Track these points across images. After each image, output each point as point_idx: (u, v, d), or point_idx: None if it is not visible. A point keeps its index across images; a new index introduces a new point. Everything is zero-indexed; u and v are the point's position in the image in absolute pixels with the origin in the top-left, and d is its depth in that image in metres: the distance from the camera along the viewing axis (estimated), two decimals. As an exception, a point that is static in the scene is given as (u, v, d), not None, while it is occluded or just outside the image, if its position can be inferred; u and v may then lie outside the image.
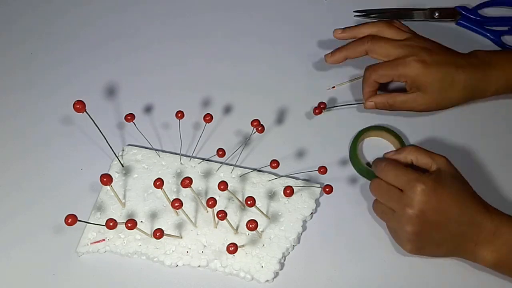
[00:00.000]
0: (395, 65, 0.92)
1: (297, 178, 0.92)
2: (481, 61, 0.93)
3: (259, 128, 0.88)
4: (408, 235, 0.80)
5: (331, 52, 0.99)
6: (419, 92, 0.92)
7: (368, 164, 0.94)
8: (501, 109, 1.00)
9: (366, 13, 1.14)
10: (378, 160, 0.87)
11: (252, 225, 0.76)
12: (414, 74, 0.91)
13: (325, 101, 1.00)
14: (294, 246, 0.87)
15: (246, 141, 0.94)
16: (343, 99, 1.03)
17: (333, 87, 1.03)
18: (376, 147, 0.96)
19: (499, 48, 1.08)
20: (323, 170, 0.86)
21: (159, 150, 0.95)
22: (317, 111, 0.97)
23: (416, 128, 0.99)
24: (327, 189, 0.84)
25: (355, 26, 0.99)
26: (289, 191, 0.81)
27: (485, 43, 1.09)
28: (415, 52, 0.91)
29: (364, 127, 0.98)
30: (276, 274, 0.84)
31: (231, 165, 0.93)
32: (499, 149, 0.97)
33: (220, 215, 0.76)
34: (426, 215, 0.78)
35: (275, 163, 0.86)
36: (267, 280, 0.83)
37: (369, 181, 0.88)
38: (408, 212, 0.78)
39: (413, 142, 0.97)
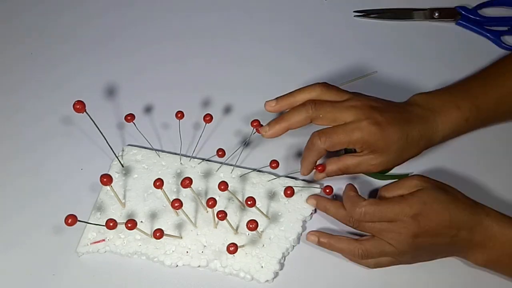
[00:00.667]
0: (350, 131, 0.83)
1: (296, 179, 0.93)
2: (424, 110, 0.88)
3: (259, 129, 0.88)
4: (408, 260, 0.82)
5: (268, 125, 0.87)
6: (372, 155, 0.85)
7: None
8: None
9: (366, 13, 1.14)
10: (351, 206, 0.82)
11: (252, 225, 0.77)
12: (372, 139, 0.83)
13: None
14: (294, 246, 0.87)
15: (246, 141, 0.94)
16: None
17: (333, 87, 1.03)
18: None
19: (499, 48, 1.09)
20: (320, 168, 0.87)
21: (159, 150, 0.95)
22: (327, 190, 0.89)
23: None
24: (327, 190, 0.84)
25: (289, 94, 0.89)
26: (289, 192, 0.81)
27: (485, 43, 1.09)
28: (365, 114, 0.83)
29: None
30: (276, 274, 0.84)
31: (231, 165, 0.93)
32: (488, 143, 0.98)
33: (220, 215, 0.76)
34: (418, 238, 0.78)
35: (275, 163, 0.86)
36: (267, 280, 0.83)
37: (368, 178, 0.89)
38: (402, 240, 0.79)
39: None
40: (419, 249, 0.80)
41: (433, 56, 1.08)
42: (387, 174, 0.93)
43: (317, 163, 0.86)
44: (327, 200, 0.87)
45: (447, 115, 0.88)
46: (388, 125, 0.83)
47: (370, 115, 0.83)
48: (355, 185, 0.87)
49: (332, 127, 0.85)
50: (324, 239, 0.85)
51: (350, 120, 0.84)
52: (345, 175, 0.90)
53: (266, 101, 0.88)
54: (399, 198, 0.80)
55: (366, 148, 0.84)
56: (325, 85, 0.88)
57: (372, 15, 1.14)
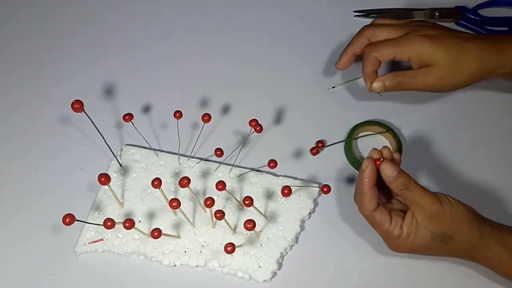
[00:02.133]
0: (398, 41, 0.88)
1: (295, 178, 0.92)
2: (492, 36, 0.89)
3: (257, 128, 0.88)
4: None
5: (338, 59, 0.96)
6: (429, 68, 0.87)
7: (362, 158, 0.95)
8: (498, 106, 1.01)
9: (366, 13, 1.14)
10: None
11: (250, 225, 0.76)
12: (419, 49, 0.86)
13: (325, 99, 1.00)
14: (292, 246, 0.87)
15: (244, 141, 0.94)
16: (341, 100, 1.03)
17: (333, 87, 1.03)
18: (371, 144, 0.96)
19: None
20: (314, 151, 0.89)
21: (157, 150, 0.95)
22: (313, 151, 0.95)
23: (410, 122, 0.99)
24: (325, 189, 0.84)
25: (347, 46, 0.96)
26: (287, 191, 0.81)
27: (485, 43, 1.09)
28: (417, 29, 0.88)
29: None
30: (274, 274, 0.84)
31: (229, 165, 0.93)
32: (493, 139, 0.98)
33: (218, 215, 0.76)
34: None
35: (273, 163, 0.86)
36: (265, 280, 0.83)
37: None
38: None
39: (406, 135, 0.98)
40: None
41: (433, 56, 1.08)
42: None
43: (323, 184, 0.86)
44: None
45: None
46: (438, 37, 0.86)
47: (421, 30, 0.87)
48: (354, 188, 0.88)
49: (383, 40, 0.90)
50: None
51: (403, 35, 0.88)
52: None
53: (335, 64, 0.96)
54: (397, 235, 0.79)
55: (417, 62, 0.87)
56: (380, 17, 0.96)
57: (372, 15, 1.13)
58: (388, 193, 0.84)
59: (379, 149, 0.80)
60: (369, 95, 0.97)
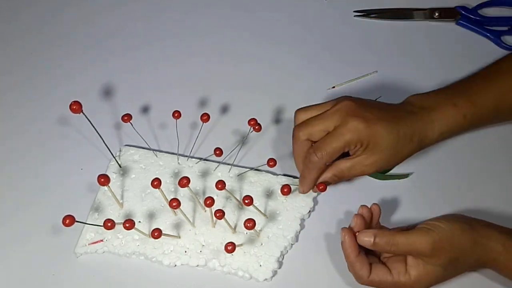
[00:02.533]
0: (340, 135, 0.81)
1: (294, 177, 0.92)
2: (418, 108, 0.86)
3: (256, 127, 0.88)
4: None
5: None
6: (364, 155, 0.83)
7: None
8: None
9: (366, 13, 1.14)
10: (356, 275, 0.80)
11: (250, 224, 0.76)
12: (362, 136, 0.80)
13: (325, 98, 1.00)
14: (292, 244, 0.87)
15: (243, 140, 0.94)
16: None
17: (333, 87, 1.03)
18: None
19: (499, 48, 1.09)
20: (322, 187, 0.86)
21: (156, 150, 0.96)
22: (321, 187, 0.88)
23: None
24: (321, 187, 0.84)
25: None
26: (286, 190, 0.82)
27: (485, 43, 1.09)
28: (351, 113, 0.81)
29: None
30: (275, 273, 0.84)
31: (228, 164, 0.93)
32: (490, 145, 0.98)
33: (218, 214, 0.76)
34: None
35: (272, 162, 0.86)
36: (266, 279, 0.83)
37: (368, 178, 0.89)
38: None
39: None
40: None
41: (433, 56, 1.08)
42: (387, 174, 0.93)
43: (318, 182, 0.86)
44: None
45: (443, 112, 0.86)
46: (376, 121, 0.81)
47: (356, 113, 0.81)
48: (354, 186, 0.88)
49: (323, 138, 0.83)
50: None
51: (337, 124, 0.81)
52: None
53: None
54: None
55: (358, 149, 0.82)
56: (300, 109, 0.87)
57: (372, 15, 1.14)
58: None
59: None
60: (369, 95, 0.97)
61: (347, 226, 0.80)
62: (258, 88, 1.04)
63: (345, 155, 0.84)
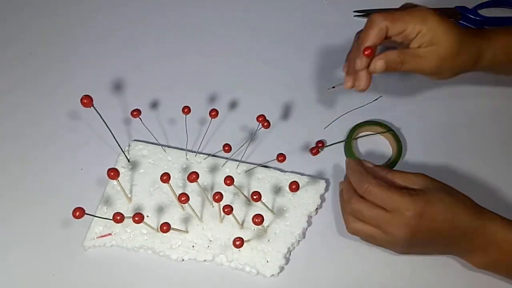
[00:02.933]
0: (412, 12, 0.83)
1: (302, 174, 0.93)
2: (478, 31, 0.89)
3: (265, 124, 0.88)
4: (398, 250, 0.82)
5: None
6: (432, 47, 0.84)
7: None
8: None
9: (366, 13, 1.14)
10: (360, 180, 0.81)
11: (258, 219, 0.77)
12: (431, 26, 0.82)
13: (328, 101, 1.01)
14: (299, 241, 0.87)
15: (251, 136, 0.95)
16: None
17: (333, 87, 1.03)
18: (371, 144, 0.98)
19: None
20: (314, 151, 0.91)
21: (165, 146, 0.96)
22: (313, 151, 0.96)
23: (410, 122, 0.99)
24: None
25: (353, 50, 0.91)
26: (294, 186, 0.82)
27: (485, 43, 1.10)
28: (430, 10, 0.83)
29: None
30: (282, 269, 0.85)
31: (236, 160, 0.93)
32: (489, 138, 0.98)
33: (226, 210, 0.77)
34: (416, 236, 0.77)
35: (281, 157, 0.86)
36: (273, 275, 0.83)
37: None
38: (398, 235, 0.77)
39: (406, 135, 0.98)
40: (413, 246, 0.79)
41: (433, 56, 1.08)
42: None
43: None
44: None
45: (497, 39, 0.88)
46: (446, 20, 0.83)
47: (433, 11, 0.83)
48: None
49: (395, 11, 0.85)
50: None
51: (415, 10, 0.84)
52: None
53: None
54: (406, 192, 0.78)
55: (422, 38, 0.83)
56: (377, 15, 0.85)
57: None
58: None
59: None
60: (369, 95, 0.98)
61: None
62: (266, 85, 1.04)
63: None
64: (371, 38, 0.83)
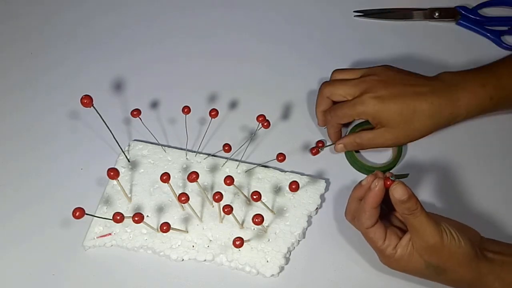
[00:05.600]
0: (352, 105, 0.89)
1: (302, 174, 0.93)
2: (446, 85, 0.89)
3: (265, 124, 0.88)
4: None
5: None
6: (384, 128, 0.89)
7: (364, 159, 0.96)
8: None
9: (366, 13, 1.14)
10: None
11: (258, 219, 0.77)
12: (373, 111, 0.87)
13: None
14: (299, 241, 0.87)
15: (251, 136, 0.95)
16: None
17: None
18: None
19: (499, 48, 1.09)
20: (314, 151, 0.93)
21: (165, 146, 0.96)
22: (313, 151, 0.96)
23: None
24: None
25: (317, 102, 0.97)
26: (294, 186, 0.81)
27: (485, 43, 1.10)
28: (370, 88, 0.88)
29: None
30: (282, 269, 0.85)
31: (236, 160, 0.93)
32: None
33: (226, 210, 0.76)
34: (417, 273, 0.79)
35: (281, 157, 0.86)
36: (273, 275, 0.84)
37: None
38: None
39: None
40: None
41: (433, 56, 1.08)
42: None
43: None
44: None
45: (470, 91, 0.89)
46: (389, 98, 0.87)
47: (373, 89, 0.88)
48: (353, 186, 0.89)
49: (340, 103, 0.92)
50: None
51: (356, 96, 0.90)
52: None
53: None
54: (390, 254, 0.78)
55: (373, 121, 0.89)
56: (337, 70, 0.96)
57: (372, 15, 1.14)
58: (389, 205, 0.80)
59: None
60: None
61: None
62: (267, 85, 1.04)
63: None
64: (332, 134, 0.96)
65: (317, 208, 0.90)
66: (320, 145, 0.96)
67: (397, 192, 0.74)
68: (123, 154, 0.94)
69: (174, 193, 0.82)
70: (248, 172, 0.92)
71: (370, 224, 0.78)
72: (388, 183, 0.75)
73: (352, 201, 0.82)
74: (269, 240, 0.86)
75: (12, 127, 1.00)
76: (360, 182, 0.80)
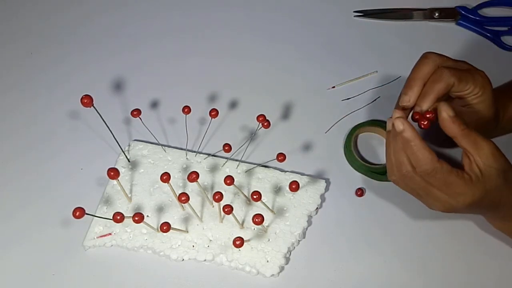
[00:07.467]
0: (475, 75, 0.81)
1: (302, 174, 0.93)
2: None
3: (265, 124, 0.88)
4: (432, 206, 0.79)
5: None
6: (473, 112, 0.83)
7: (363, 159, 0.96)
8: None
9: (366, 13, 1.14)
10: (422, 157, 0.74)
11: (259, 219, 0.77)
12: (488, 96, 0.82)
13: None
14: (299, 241, 0.87)
15: (251, 136, 0.95)
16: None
17: (333, 86, 1.03)
18: (371, 143, 0.98)
19: (499, 48, 1.09)
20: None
21: (165, 145, 0.96)
22: (359, 192, 0.92)
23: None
24: (359, 192, 0.88)
25: (409, 80, 0.84)
26: (294, 186, 0.81)
27: (485, 43, 1.10)
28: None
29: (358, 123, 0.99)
30: (282, 269, 0.85)
31: (236, 160, 0.93)
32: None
33: (226, 210, 0.76)
34: (458, 211, 0.77)
35: (281, 156, 0.86)
36: (273, 275, 0.84)
37: (365, 178, 0.91)
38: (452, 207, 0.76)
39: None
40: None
41: (433, 56, 1.08)
42: (385, 175, 0.94)
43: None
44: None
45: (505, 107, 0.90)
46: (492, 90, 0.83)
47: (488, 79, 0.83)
48: (362, 184, 0.88)
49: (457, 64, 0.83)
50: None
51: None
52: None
53: (401, 101, 0.82)
54: (468, 179, 0.74)
55: (479, 103, 0.82)
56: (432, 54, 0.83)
57: (372, 15, 1.14)
58: None
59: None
60: (369, 95, 0.98)
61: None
62: (267, 85, 1.04)
63: None
64: (437, 91, 0.79)
65: (317, 208, 0.89)
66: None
67: (447, 109, 0.74)
68: (123, 154, 0.94)
69: (174, 193, 0.82)
70: (248, 172, 0.92)
71: (434, 158, 0.74)
72: (429, 116, 0.77)
73: (396, 153, 0.77)
74: (269, 240, 0.86)
75: (12, 126, 1.00)
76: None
